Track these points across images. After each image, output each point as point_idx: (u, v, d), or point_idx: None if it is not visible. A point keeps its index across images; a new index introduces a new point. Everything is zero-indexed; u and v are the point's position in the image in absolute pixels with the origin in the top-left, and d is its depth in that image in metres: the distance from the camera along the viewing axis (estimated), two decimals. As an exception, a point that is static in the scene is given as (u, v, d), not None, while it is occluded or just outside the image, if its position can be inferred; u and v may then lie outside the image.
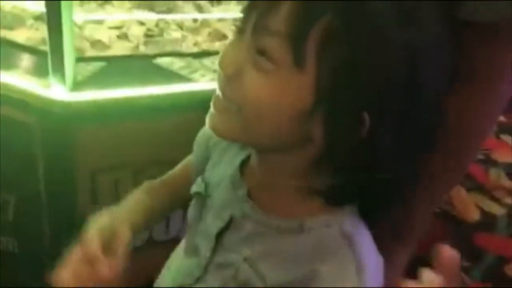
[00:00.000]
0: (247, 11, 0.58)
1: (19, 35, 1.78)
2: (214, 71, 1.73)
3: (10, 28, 1.93)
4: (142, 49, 1.92)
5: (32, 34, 1.78)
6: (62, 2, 1.35)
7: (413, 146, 0.61)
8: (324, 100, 0.55)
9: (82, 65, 1.52)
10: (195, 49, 2.12)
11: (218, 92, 0.61)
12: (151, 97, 1.46)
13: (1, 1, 2.02)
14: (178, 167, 0.91)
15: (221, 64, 0.59)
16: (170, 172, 0.92)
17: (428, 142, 0.62)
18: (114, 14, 2.32)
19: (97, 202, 1.55)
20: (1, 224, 1.56)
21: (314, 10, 0.53)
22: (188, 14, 2.33)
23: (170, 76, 1.61)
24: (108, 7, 2.44)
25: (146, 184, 0.89)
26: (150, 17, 2.21)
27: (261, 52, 0.55)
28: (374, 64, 0.55)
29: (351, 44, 0.54)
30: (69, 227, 1.56)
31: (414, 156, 0.62)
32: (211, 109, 0.62)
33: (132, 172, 1.54)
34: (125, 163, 1.53)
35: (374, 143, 0.56)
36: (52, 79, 1.35)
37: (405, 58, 0.56)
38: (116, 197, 1.66)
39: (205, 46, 2.16)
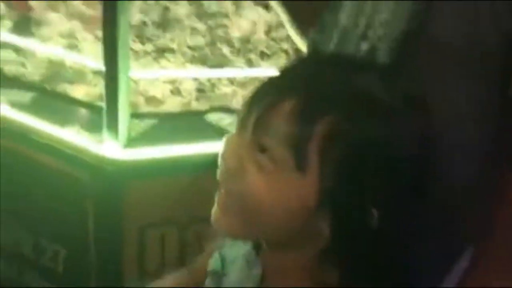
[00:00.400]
0: (248, 106, 0.57)
1: (78, 90, 1.87)
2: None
3: (71, 82, 2.04)
4: (194, 104, 1.96)
5: (90, 89, 1.86)
6: (120, 60, 1.41)
7: (428, 234, 0.58)
8: (328, 200, 0.53)
9: (135, 121, 1.56)
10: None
11: (221, 189, 0.59)
12: (200, 155, 1.47)
13: (63, 56, 2.14)
14: (204, 254, 0.89)
15: (222, 157, 0.58)
16: (194, 263, 0.89)
17: (446, 227, 0.59)
18: (168, 68, 2.42)
19: (143, 256, 1.56)
20: (51, 276, 1.59)
21: (317, 110, 0.51)
22: (237, 70, 2.38)
23: (219, 133, 1.62)
24: (162, 60, 2.54)
25: (174, 274, 0.88)
26: (202, 74, 2.28)
27: (262, 150, 0.54)
28: (380, 161, 0.52)
29: (355, 143, 0.52)
30: (116, 280, 1.58)
31: (429, 243, 0.59)
32: (215, 205, 0.60)
33: (178, 228, 1.54)
34: (172, 219, 1.54)
35: (384, 235, 0.53)
36: (106, 136, 1.39)
37: (415, 152, 0.53)
38: (162, 252, 1.68)
39: (255, 100, 2.17)
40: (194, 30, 2.95)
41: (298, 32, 0.87)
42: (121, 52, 1.41)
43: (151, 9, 3.02)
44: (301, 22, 0.87)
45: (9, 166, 1.47)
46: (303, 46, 0.87)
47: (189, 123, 1.67)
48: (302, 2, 0.85)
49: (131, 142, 1.45)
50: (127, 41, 1.45)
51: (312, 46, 0.81)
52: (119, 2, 1.34)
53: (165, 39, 2.78)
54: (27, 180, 1.50)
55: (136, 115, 1.62)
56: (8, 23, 2.07)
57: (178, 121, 1.68)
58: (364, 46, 0.70)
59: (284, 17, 0.84)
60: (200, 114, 1.74)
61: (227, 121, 1.73)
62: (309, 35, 0.83)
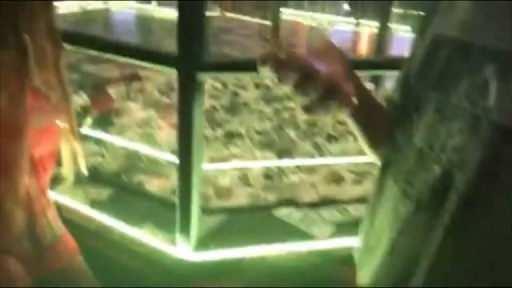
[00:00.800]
0: None
1: (152, 182, 1.95)
2: (333, 224, 1.75)
3: (146, 173, 2.13)
4: (262, 194, 1.98)
5: (163, 182, 1.94)
6: (194, 155, 1.44)
7: None
8: None
9: (205, 218, 1.59)
10: (312, 192, 2.13)
11: None
12: (270, 257, 1.46)
13: (138, 148, 2.26)
14: None
15: None
16: None
17: None
18: (237, 154, 2.48)
19: None
20: None
21: None
22: (305, 159, 2.40)
23: (289, 230, 1.62)
24: (231, 146, 2.62)
25: None
26: (270, 163, 2.31)
27: None
28: None
29: None
30: None
31: None
32: None
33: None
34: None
35: None
36: (179, 238, 1.43)
37: None
38: None
39: (322, 188, 2.17)
40: (261, 114, 3.04)
41: (370, 148, 0.85)
42: (195, 146, 1.43)
43: (220, 94, 3.17)
44: (371, 137, 0.86)
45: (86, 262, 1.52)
46: (376, 161, 0.85)
47: (258, 219, 1.67)
48: (372, 119, 0.84)
49: (202, 241, 1.47)
50: (201, 134, 1.49)
51: (385, 164, 0.80)
52: (193, 91, 1.34)
53: (234, 124, 2.88)
54: (101, 276, 1.54)
55: (206, 210, 1.65)
56: (89, 120, 2.23)
57: (247, 216, 1.70)
58: (437, 170, 0.68)
59: (356, 130, 0.83)
60: (268, 208, 1.74)
61: (296, 216, 1.72)
62: (381, 152, 0.82)
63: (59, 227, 0.78)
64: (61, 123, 0.74)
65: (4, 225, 0.63)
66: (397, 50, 4.16)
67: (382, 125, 0.80)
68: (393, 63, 1.43)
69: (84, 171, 0.80)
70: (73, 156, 0.80)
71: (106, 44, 1.37)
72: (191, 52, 1.22)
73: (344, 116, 0.77)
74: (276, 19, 3.71)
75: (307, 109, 0.67)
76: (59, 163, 0.80)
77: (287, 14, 4.69)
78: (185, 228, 1.44)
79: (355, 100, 0.68)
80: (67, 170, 0.80)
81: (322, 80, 0.63)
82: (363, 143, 0.84)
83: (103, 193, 1.74)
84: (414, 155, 0.71)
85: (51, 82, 0.70)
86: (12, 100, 0.60)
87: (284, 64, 0.62)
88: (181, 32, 1.20)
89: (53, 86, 0.70)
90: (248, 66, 1.34)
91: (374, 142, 0.82)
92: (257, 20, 4.90)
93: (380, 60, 1.72)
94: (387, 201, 0.75)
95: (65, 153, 0.78)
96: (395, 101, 0.78)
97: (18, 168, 0.62)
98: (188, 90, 1.34)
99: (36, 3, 0.63)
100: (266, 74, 0.63)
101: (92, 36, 1.47)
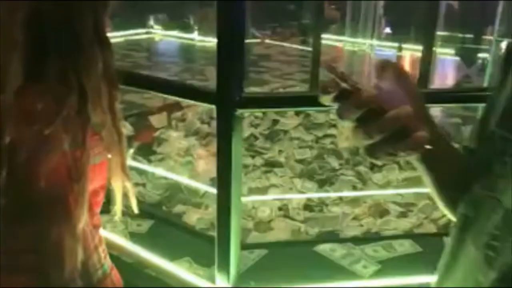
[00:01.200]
0: None
1: (191, 214, 1.94)
2: (377, 261, 1.66)
3: (185, 203, 2.13)
4: (303, 228, 1.93)
5: (203, 213, 1.92)
6: (233, 192, 1.42)
7: None
8: None
9: (245, 252, 1.55)
10: (355, 226, 2.06)
11: None
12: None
13: (178, 178, 2.27)
14: None
15: None
16: None
17: None
18: (277, 183, 2.45)
19: None
20: None
21: None
22: (347, 191, 2.33)
23: (331, 267, 1.56)
24: (271, 175, 2.59)
25: None
26: (311, 196, 2.26)
27: None
28: None
29: None
30: None
31: None
32: None
33: None
34: None
35: None
36: (217, 275, 1.40)
37: None
38: None
39: (366, 221, 2.10)
40: (301, 142, 3.00)
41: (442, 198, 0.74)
42: (234, 180, 1.41)
43: (260, 122, 3.15)
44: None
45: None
46: (453, 217, 0.74)
47: (299, 254, 1.62)
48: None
49: (241, 278, 1.43)
50: (240, 167, 1.46)
51: (462, 222, 0.69)
52: (232, 127, 1.31)
53: (273, 152, 2.84)
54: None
55: (246, 245, 1.61)
56: (131, 151, 2.26)
57: (287, 251, 1.65)
58: None
59: (424, 176, 0.71)
60: (310, 243, 1.69)
61: (339, 252, 1.66)
62: (457, 206, 0.70)
63: (108, 262, 0.78)
64: (111, 157, 0.75)
65: (64, 264, 0.63)
66: (442, 75, 4.06)
67: (457, 174, 0.68)
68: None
69: (135, 208, 0.79)
70: (124, 193, 0.80)
71: (148, 81, 1.38)
72: (230, 89, 1.21)
73: (411, 159, 0.66)
74: (317, 44, 3.69)
75: (370, 151, 0.55)
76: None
77: (327, 39, 4.68)
78: (224, 265, 1.41)
79: (427, 145, 0.55)
80: (118, 207, 0.80)
81: (391, 119, 0.52)
82: (433, 192, 0.72)
83: (143, 225, 1.74)
84: (499, 216, 0.60)
85: (106, 122, 0.71)
86: (76, 144, 0.61)
87: (349, 96, 0.51)
88: (221, 70, 1.19)
89: (108, 124, 0.71)
90: (287, 101, 1.32)
91: (447, 193, 0.69)
92: (297, 46, 4.90)
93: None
94: (465, 265, 0.62)
95: (116, 190, 0.79)
96: (472, 149, 0.67)
97: (80, 208, 0.63)
98: (227, 126, 1.33)
99: (97, 47, 0.64)
100: (327, 104, 0.52)
101: (134, 73, 1.49)
